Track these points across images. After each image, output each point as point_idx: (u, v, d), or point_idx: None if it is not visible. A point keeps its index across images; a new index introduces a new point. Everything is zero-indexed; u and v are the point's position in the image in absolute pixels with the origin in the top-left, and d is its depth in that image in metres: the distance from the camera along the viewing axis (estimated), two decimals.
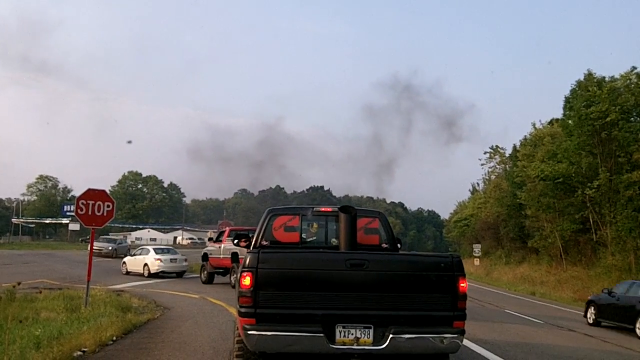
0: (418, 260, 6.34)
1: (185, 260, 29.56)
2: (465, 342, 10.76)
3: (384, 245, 7.95)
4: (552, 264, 41.98)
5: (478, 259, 51.72)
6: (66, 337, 8.65)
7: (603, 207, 35.79)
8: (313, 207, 8.08)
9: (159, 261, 27.70)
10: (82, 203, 13.17)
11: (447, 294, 5.65)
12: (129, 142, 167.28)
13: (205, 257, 23.49)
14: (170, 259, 28.44)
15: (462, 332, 5.67)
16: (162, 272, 27.46)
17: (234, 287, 19.48)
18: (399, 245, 8.31)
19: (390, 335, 5.45)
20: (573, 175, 37.28)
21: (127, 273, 28.59)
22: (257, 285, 5.42)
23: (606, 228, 35.68)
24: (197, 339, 9.87)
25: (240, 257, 18.72)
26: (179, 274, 28.36)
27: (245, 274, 5.46)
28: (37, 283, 19.29)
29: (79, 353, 8.02)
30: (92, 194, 13.35)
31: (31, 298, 13.74)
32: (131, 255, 30.94)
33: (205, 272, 23.34)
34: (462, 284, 5.67)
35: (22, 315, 10.85)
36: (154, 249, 30.05)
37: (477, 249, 51.36)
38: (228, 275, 21.63)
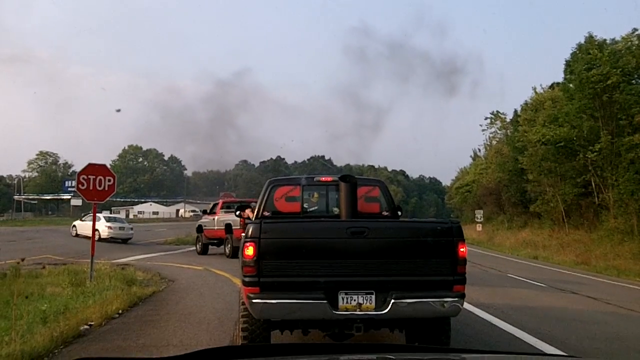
0: (418, 227, 6.50)
1: (132, 229, 34.15)
2: (468, 306, 10.86)
3: (385, 213, 8.05)
4: (554, 228, 42.08)
5: (480, 225, 51.83)
6: (72, 311, 8.73)
7: (605, 170, 35.76)
8: (314, 177, 8.19)
9: (109, 228, 31.78)
10: (83, 178, 13.20)
11: (447, 259, 5.74)
12: (118, 110, 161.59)
13: (199, 229, 24.29)
14: (119, 227, 32.98)
15: (462, 296, 5.76)
16: (111, 237, 31.16)
17: (228, 256, 20.57)
18: (399, 213, 8.38)
19: (392, 301, 5.54)
20: (574, 139, 37.17)
21: (77, 235, 33.24)
22: (260, 254, 5.50)
23: (608, 191, 35.71)
24: (202, 310, 9.94)
25: (234, 227, 20.32)
26: (125, 240, 32.37)
27: (248, 244, 5.54)
28: (41, 259, 19.40)
29: (86, 327, 8.09)
30: (93, 169, 13.37)
31: (36, 274, 13.87)
32: (82, 220, 35.11)
33: (200, 243, 24.18)
34: (461, 249, 5.74)
35: (27, 290, 10.95)
36: (104, 217, 33.63)
37: (479, 214, 51.44)
38: (222, 246, 22.54)
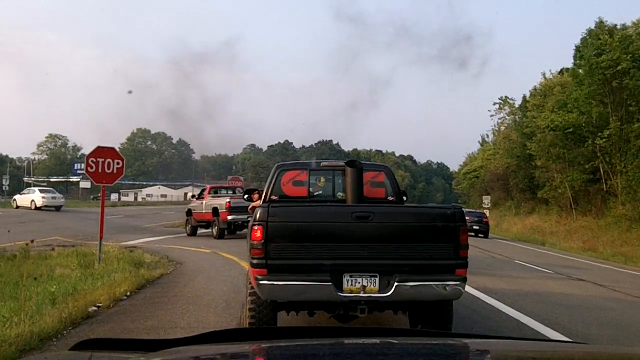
0: (421, 212, 6.66)
1: (62, 198, 44.20)
2: (475, 292, 10.93)
3: (390, 198, 8.17)
4: (561, 215, 42.09)
5: (487, 210, 51.78)
6: (81, 293, 8.80)
7: (613, 157, 35.68)
8: (320, 162, 8.39)
9: (43, 198, 40.37)
10: (92, 161, 13.24)
11: (449, 243, 5.84)
12: (130, 92, 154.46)
13: (189, 212, 25.50)
14: (52, 197, 41.42)
15: (464, 280, 5.85)
16: (45, 205, 39.98)
17: (215, 237, 22.32)
18: (404, 198, 8.56)
19: (395, 283, 5.68)
20: (583, 125, 37.07)
21: (17, 208, 41.05)
22: (268, 237, 5.63)
23: (616, 178, 35.64)
24: (210, 292, 10.00)
25: (220, 211, 22.19)
26: (57, 208, 40.96)
27: (256, 227, 5.67)
28: (50, 240, 19.53)
29: (94, 308, 8.15)
30: (101, 152, 13.41)
31: (45, 255, 13.96)
32: (21, 194, 43.72)
33: (190, 225, 25.25)
34: (463, 234, 5.85)
35: (37, 272, 11.03)
36: (39, 190, 43.66)
37: (486, 200, 51.37)
38: (210, 228, 23.77)
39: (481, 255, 20.51)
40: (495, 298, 10.51)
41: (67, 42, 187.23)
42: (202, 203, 24.24)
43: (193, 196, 27.15)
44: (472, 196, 71.53)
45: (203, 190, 25.88)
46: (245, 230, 22.56)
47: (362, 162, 7.67)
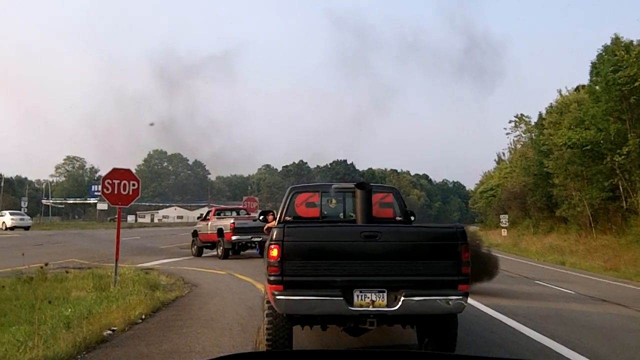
0: (426, 231, 6.98)
1: (30, 219, 53.46)
2: (495, 313, 10.75)
3: (398, 218, 8.62)
4: (581, 233, 41.48)
5: (505, 230, 51.33)
6: (96, 316, 8.74)
7: (633, 174, 35.19)
8: (332, 184, 8.87)
9: (12, 219, 48.22)
10: (108, 182, 13.26)
11: (452, 261, 6.21)
12: (151, 124, 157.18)
13: (195, 233, 26.21)
14: (20, 218, 49.65)
15: (466, 294, 6.21)
16: (14, 226, 46.91)
17: (220, 257, 23.03)
18: (412, 218, 8.95)
19: (402, 298, 6.07)
20: (601, 141, 36.62)
21: None
22: (284, 256, 6.05)
23: (637, 195, 35.14)
24: (225, 315, 9.89)
25: (225, 232, 22.90)
26: (26, 228, 47.84)
27: (273, 246, 6.09)
28: (67, 262, 19.55)
29: (109, 332, 8.07)
30: (117, 173, 13.44)
31: (61, 278, 13.92)
32: None
33: (196, 246, 25.79)
34: (465, 252, 6.21)
35: (52, 295, 10.99)
36: (9, 212, 50.67)
37: (504, 219, 50.95)
38: (215, 249, 24.40)
39: (501, 276, 20.22)
40: (517, 320, 10.29)
41: (89, 67, 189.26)
42: (207, 224, 24.97)
43: (199, 217, 28.17)
44: (489, 215, 70.90)
45: (208, 212, 26.67)
46: (249, 251, 23.77)
47: (371, 184, 8.07)
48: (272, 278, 6.10)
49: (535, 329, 9.50)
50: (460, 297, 6.14)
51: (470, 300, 12.67)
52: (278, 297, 6.04)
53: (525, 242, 48.12)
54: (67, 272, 15.04)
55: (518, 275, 21.90)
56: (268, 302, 6.46)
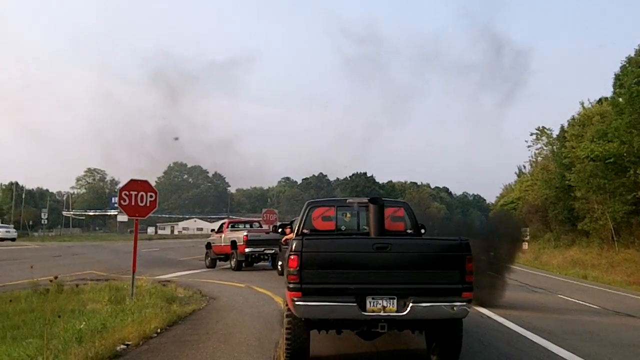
0: (432, 243, 7.59)
1: (15, 231, 59.18)
2: (520, 329, 10.50)
3: (409, 231, 9.17)
4: (603, 247, 40.78)
5: (526, 243, 50.62)
6: (110, 330, 8.55)
7: None
8: (347, 199, 9.51)
9: None
10: (125, 194, 13.14)
11: (456, 270, 6.70)
12: (176, 138, 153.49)
13: (208, 245, 26.55)
14: (6, 231, 55.65)
15: (469, 301, 6.69)
16: (2, 238, 51.48)
17: (233, 269, 23.33)
18: (422, 231, 9.50)
19: (411, 304, 6.54)
20: (625, 154, 35.99)
21: None
22: (302, 265, 6.54)
23: None
24: (242, 330, 9.67)
25: (238, 244, 23.16)
26: (13, 239, 53.19)
27: (292, 256, 6.58)
28: (85, 274, 19.49)
29: (122, 346, 7.89)
30: (135, 185, 13.31)
31: (78, 290, 13.78)
32: None
33: (209, 258, 26.14)
34: (469, 262, 6.70)
35: (67, 307, 10.87)
36: None
37: (525, 232, 50.21)
38: (229, 260, 24.72)
39: (524, 291, 19.84)
40: (544, 337, 9.93)
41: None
42: (221, 237, 25.29)
43: (213, 230, 29.13)
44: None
45: (222, 225, 26.94)
46: (262, 263, 24.10)
47: (383, 198, 8.68)
48: (291, 285, 6.57)
49: (562, 346, 9.13)
50: (464, 303, 6.61)
51: (491, 315, 12.42)
52: (297, 303, 6.51)
53: (547, 256, 47.43)
54: (77, 285, 14.88)
55: (541, 290, 21.46)
56: (288, 308, 6.95)
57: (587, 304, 17.02)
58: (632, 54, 37.08)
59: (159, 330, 9.32)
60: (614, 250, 38.79)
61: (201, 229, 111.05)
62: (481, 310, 12.98)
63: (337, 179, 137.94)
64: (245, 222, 29.18)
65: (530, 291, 20.30)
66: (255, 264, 24.29)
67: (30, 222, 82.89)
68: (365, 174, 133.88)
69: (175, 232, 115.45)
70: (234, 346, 8.28)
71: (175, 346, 8.28)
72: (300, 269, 6.53)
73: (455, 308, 6.56)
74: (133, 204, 13.13)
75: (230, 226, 26.21)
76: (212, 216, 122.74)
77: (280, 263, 20.92)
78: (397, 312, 6.56)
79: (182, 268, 24.94)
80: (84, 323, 8.81)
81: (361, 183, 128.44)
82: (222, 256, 25.24)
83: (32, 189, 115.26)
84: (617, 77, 39.26)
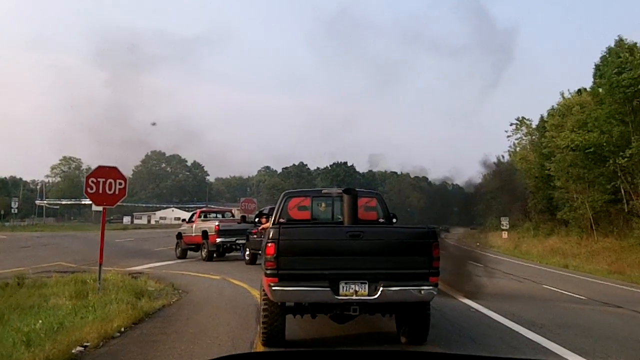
0: (402, 231, 8.06)
1: None
2: (512, 325, 9.98)
3: (381, 220, 9.55)
4: (582, 236, 40.90)
5: (506, 232, 50.59)
6: (67, 329, 7.76)
7: (635, 177, 34.64)
8: (322, 190, 10.05)
9: None
10: (93, 181, 12.34)
11: (424, 257, 7.13)
12: (153, 124, 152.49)
13: (179, 235, 26.02)
14: None
15: (436, 285, 7.13)
16: None
17: (204, 260, 22.96)
18: (394, 220, 9.94)
19: (381, 288, 6.97)
20: (604, 144, 35.92)
21: None
22: (279, 252, 6.88)
23: (639, 198, 34.47)
24: (215, 328, 8.94)
25: (209, 234, 22.81)
26: None
27: (269, 244, 6.91)
28: (52, 266, 18.62)
29: (80, 349, 7.09)
30: (103, 172, 12.50)
31: (41, 283, 12.94)
32: None
33: (180, 248, 25.67)
34: (435, 249, 7.14)
35: (27, 303, 10.09)
36: None
37: (504, 221, 50.23)
38: (199, 251, 24.26)
39: (509, 281, 19.43)
40: (535, 331, 9.40)
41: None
42: (192, 226, 24.90)
43: (183, 220, 28.86)
44: (489, 217, 70.10)
45: (193, 214, 26.59)
46: (234, 253, 23.75)
47: (357, 189, 8.87)
48: (268, 272, 6.92)
49: (557, 342, 8.61)
50: (431, 287, 7.06)
51: (480, 308, 11.86)
52: (274, 288, 6.87)
53: (526, 245, 47.47)
54: (47, 277, 14.06)
55: (525, 280, 21.06)
56: (265, 293, 7.28)
57: (574, 295, 16.62)
58: (612, 45, 36.94)
59: (122, 329, 8.49)
60: (593, 239, 38.94)
61: (179, 219, 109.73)
62: (469, 302, 12.51)
63: (318, 168, 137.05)
64: (217, 212, 28.58)
65: (514, 281, 19.90)
66: (227, 254, 23.94)
67: (2, 212, 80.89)
68: (345, 163, 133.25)
69: (153, 222, 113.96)
70: (205, 347, 7.52)
71: (139, 347, 7.51)
72: (277, 256, 6.84)
73: (422, 292, 6.98)
74: (101, 192, 12.34)
75: (202, 216, 25.80)
76: (191, 205, 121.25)
77: (247, 252, 20.91)
78: (368, 295, 6.95)
79: (156, 259, 24.13)
80: (40, 321, 8.02)
81: (341, 172, 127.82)
82: (193, 246, 24.86)
83: (5, 178, 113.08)
84: (598, 68, 39.13)
